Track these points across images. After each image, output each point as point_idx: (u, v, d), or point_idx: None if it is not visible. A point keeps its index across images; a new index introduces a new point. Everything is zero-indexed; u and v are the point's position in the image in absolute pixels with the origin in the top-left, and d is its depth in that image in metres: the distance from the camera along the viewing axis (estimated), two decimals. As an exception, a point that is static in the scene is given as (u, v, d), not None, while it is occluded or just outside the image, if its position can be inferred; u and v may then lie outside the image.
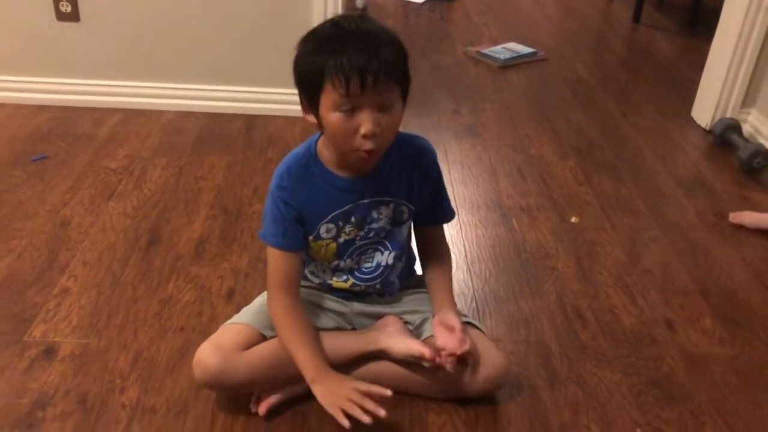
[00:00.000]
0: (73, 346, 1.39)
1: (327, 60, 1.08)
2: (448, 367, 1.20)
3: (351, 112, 1.10)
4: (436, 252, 1.38)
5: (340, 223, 1.26)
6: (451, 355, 1.19)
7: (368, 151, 1.13)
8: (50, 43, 2.35)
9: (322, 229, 1.26)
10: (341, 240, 1.27)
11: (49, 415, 1.23)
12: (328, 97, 1.10)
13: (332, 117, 1.12)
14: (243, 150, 2.20)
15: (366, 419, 1.11)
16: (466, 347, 1.20)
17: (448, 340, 1.21)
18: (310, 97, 1.15)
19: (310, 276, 1.37)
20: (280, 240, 1.24)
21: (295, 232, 1.25)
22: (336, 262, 1.31)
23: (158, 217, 1.82)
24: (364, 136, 1.11)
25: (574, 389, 1.35)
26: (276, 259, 1.25)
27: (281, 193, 1.23)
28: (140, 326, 1.45)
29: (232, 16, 2.32)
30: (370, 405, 1.13)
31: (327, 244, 1.28)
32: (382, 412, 1.12)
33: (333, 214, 1.25)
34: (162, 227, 1.78)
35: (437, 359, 1.20)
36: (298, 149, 1.27)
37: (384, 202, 1.27)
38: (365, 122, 1.10)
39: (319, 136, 1.25)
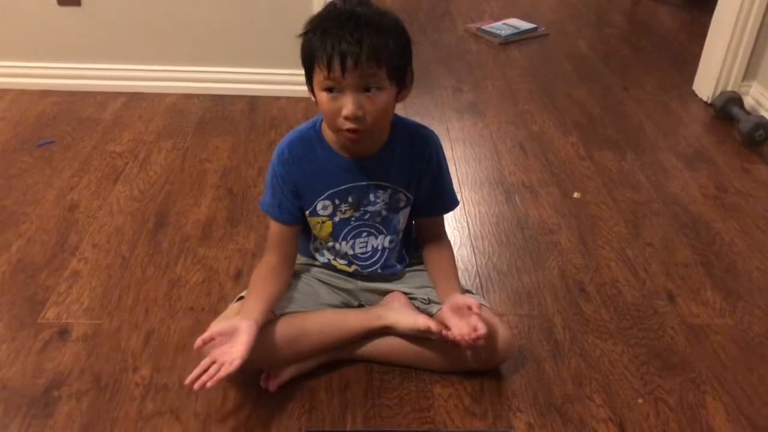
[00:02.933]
0: (86, 327, 1.41)
1: (316, 41, 1.13)
2: (466, 347, 1.22)
3: (336, 93, 1.14)
4: (436, 244, 1.39)
5: (337, 201, 1.28)
6: (470, 342, 1.20)
7: (352, 132, 1.16)
8: (52, 28, 2.35)
9: (319, 206, 1.28)
10: (337, 219, 1.30)
11: (64, 395, 1.26)
12: (317, 78, 1.15)
13: (321, 96, 1.16)
14: (246, 131, 2.22)
15: (197, 382, 1.12)
16: (482, 332, 1.19)
17: (462, 327, 1.20)
18: (308, 77, 1.19)
19: (315, 254, 1.39)
20: (275, 211, 1.30)
21: (290, 207, 1.29)
22: (332, 244, 1.33)
23: (165, 199, 1.84)
24: (346, 118, 1.14)
25: (577, 361, 1.38)
26: (273, 227, 1.32)
27: (280, 168, 1.27)
28: (150, 307, 1.47)
29: (233, -3, 2.32)
30: (212, 370, 1.13)
31: (323, 222, 1.30)
32: (207, 385, 1.12)
33: (330, 191, 1.27)
34: (169, 209, 1.80)
35: (444, 332, 1.23)
36: (304, 124, 1.31)
37: (382, 186, 1.29)
38: (346, 104, 1.13)
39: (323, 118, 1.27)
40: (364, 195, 1.29)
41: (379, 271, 1.36)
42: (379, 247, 1.34)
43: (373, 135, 1.21)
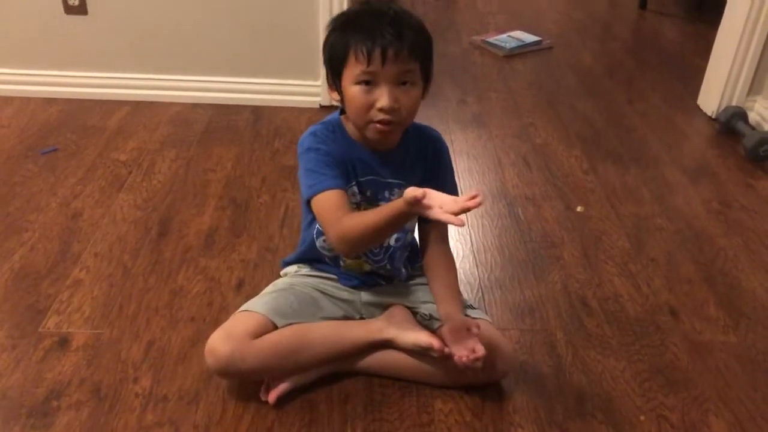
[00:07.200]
0: (87, 337, 1.41)
1: (353, 34, 1.15)
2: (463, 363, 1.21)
3: (371, 86, 1.16)
4: (438, 253, 1.37)
5: (356, 190, 1.29)
6: (468, 364, 1.19)
7: (385, 123, 1.17)
8: (58, 37, 2.36)
9: (349, 192, 1.27)
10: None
11: (63, 405, 1.25)
12: (351, 71, 1.16)
13: (353, 90, 1.17)
14: (250, 141, 2.22)
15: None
16: (481, 354, 1.19)
17: (461, 349, 1.20)
18: (334, 72, 1.21)
19: (322, 250, 1.36)
20: (332, 181, 1.22)
21: (341, 175, 1.24)
22: None
23: (168, 208, 1.84)
24: (381, 110, 1.16)
25: (579, 377, 1.37)
26: (331, 201, 1.21)
27: (320, 146, 1.24)
28: (152, 316, 1.47)
29: (239, 7, 2.32)
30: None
31: None
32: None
33: (357, 180, 1.28)
34: (172, 219, 1.80)
35: (446, 350, 1.22)
36: (320, 122, 1.31)
37: (398, 184, 1.30)
38: (383, 96, 1.15)
39: (340, 113, 1.29)
40: (380, 190, 1.29)
41: (387, 267, 1.36)
42: (385, 244, 1.34)
43: (400, 130, 1.24)
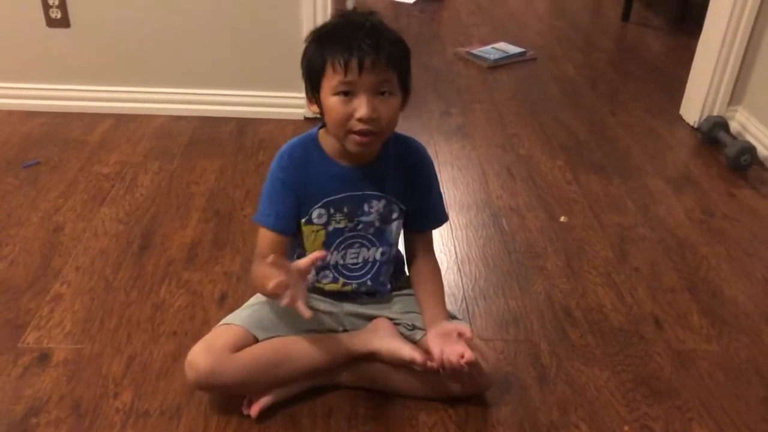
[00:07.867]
0: (67, 352, 1.39)
1: (330, 46, 1.15)
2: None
3: (349, 96, 1.15)
4: (424, 262, 1.37)
5: (332, 210, 1.28)
6: (457, 367, 1.19)
7: (364, 134, 1.17)
8: (40, 50, 2.35)
9: (314, 214, 1.28)
10: (330, 228, 1.29)
11: (43, 422, 1.24)
12: (329, 82, 1.16)
13: (331, 101, 1.17)
14: (234, 153, 2.21)
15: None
16: (470, 358, 1.18)
17: (449, 353, 1.19)
18: (313, 84, 1.20)
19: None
20: (272, 220, 1.27)
21: (288, 215, 1.27)
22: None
23: (150, 221, 1.83)
24: (360, 120, 1.15)
25: (563, 387, 1.37)
26: (265, 239, 1.28)
27: (281, 174, 1.27)
28: (133, 331, 1.46)
29: (223, 20, 2.32)
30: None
31: (317, 231, 1.29)
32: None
33: (326, 200, 1.27)
34: (154, 232, 1.79)
35: (428, 363, 1.22)
36: (300, 136, 1.31)
37: (376, 196, 1.29)
38: (362, 106, 1.15)
39: (320, 127, 1.28)
40: (358, 205, 1.29)
41: (369, 283, 1.35)
42: (371, 259, 1.34)
43: (380, 141, 1.23)
